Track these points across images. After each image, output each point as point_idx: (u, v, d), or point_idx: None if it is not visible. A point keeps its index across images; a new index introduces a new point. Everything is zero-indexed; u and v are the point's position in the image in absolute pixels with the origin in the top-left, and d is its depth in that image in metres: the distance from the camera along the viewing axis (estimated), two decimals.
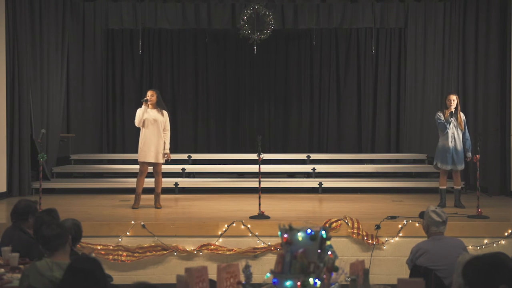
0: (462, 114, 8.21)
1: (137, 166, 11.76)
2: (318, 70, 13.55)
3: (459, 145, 8.12)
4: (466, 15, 10.43)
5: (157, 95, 8.26)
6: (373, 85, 13.45)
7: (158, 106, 8.22)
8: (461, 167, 8.21)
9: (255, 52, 11.97)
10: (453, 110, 8.08)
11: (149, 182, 8.54)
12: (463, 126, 8.13)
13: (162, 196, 8.65)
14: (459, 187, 8.37)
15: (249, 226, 6.92)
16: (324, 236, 2.85)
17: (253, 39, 11.67)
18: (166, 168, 11.00)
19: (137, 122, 8.17)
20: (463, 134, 8.17)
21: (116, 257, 6.76)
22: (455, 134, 8.10)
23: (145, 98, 8.20)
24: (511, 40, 9.66)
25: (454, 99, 8.12)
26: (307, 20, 12.53)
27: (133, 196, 8.41)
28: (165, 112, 8.26)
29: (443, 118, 8.09)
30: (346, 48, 13.52)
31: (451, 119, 8.07)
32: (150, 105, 8.16)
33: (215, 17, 12.46)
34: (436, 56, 11.73)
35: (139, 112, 8.16)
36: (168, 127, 8.28)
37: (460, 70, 10.52)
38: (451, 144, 8.12)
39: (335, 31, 13.40)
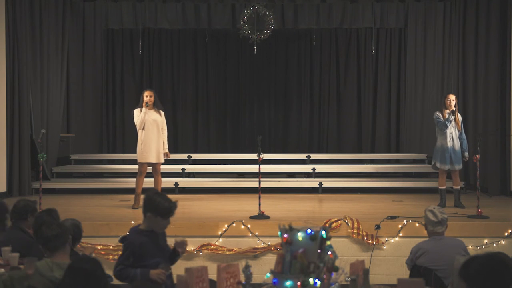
0: (459, 115, 8.24)
1: (137, 166, 11.80)
2: (318, 70, 13.55)
3: (457, 145, 8.14)
4: (466, 15, 10.43)
5: (155, 96, 8.27)
6: (373, 85, 13.45)
7: (156, 106, 8.24)
8: (458, 167, 8.21)
9: (255, 52, 11.98)
10: (454, 109, 8.11)
11: (149, 182, 8.54)
12: (460, 126, 8.16)
13: None
14: (459, 187, 8.37)
15: (249, 226, 6.91)
16: (324, 236, 2.85)
17: (253, 39, 11.67)
18: (166, 168, 11.01)
19: (139, 125, 8.13)
20: (460, 134, 8.19)
21: (116, 257, 6.75)
22: (453, 134, 8.12)
23: (145, 102, 8.16)
24: (511, 40, 9.66)
25: (453, 99, 8.14)
26: (307, 20, 12.53)
27: (133, 196, 8.41)
28: (162, 112, 8.31)
29: (442, 118, 8.10)
30: (346, 48, 13.51)
31: (452, 117, 8.08)
32: (149, 106, 8.16)
33: (215, 17, 12.46)
34: (436, 56, 11.73)
35: (140, 114, 8.11)
36: (165, 127, 8.33)
37: (460, 70, 10.52)
38: (449, 144, 8.13)
39: (335, 31, 13.40)
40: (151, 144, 8.11)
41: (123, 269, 3.99)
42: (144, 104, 8.13)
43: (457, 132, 8.15)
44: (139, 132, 8.17)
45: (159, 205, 3.98)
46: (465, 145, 8.18)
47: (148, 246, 4.01)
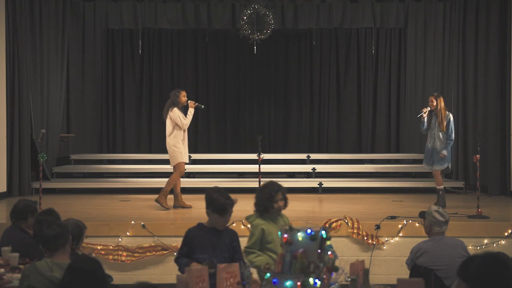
0: (448, 115, 8.13)
1: (137, 166, 11.80)
2: (318, 70, 13.56)
3: (439, 146, 8.10)
4: (466, 15, 10.44)
5: None
6: (373, 85, 13.45)
7: None
8: (439, 167, 8.16)
9: (255, 52, 11.98)
10: (426, 110, 8.13)
11: (147, 182, 8.53)
12: (444, 126, 8.09)
13: None
14: (441, 186, 8.27)
15: (249, 226, 6.89)
16: (324, 236, 2.85)
17: (253, 39, 11.67)
18: (166, 168, 11.01)
19: (187, 125, 8.11)
20: (446, 135, 8.07)
21: (116, 257, 6.76)
22: (435, 135, 8.12)
23: (202, 106, 8.22)
24: (511, 40, 9.66)
25: (431, 100, 8.18)
26: (307, 20, 12.54)
27: (133, 196, 8.41)
28: None
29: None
30: (346, 48, 13.52)
31: (424, 119, 8.11)
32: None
33: (215, 17, 12.47)
34: (436, 56, 11.73)
35: (183, 114, 8.08)
36: None
37: (460, 70, 10.52)
38: (429, 144, 8.20)
39: (335, 31, 13.40)
40: (186, 145, 8.18)
41: (178, 257, 4.20)
42: (191, 104, 8.10)
43: (440, 132, 8.11)
44: (178, 132, 8.07)
45: (215, 202, 4.09)
46: (447, 145, 8.05)
47: (200, 241, 4.12)
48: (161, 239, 6.84)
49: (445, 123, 8.07)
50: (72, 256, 3.84)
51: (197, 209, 8.28)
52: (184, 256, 4.17)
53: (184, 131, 8.10)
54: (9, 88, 9.57)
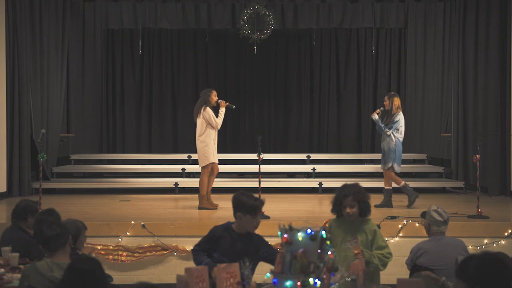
0: (396, 113, 8.12)
1: (137, 166, 11.78)
2: (318, 70, 13.56)
3: (386, 146, 8.17)
4: (466, 15, 10.44)
5: None
6: (373, 85, 13.44)
7: None
8: (385, 166, 8.23)
9: (255, 52, 11.98)
10: (378, 111, 8.23)
11: (147, 182, 8.52)
12: (388, 122, 8.17)
13: (162, 196, 8.63)
14: (388, 187, 8.37)
15: None
16: (324, 236, 2.85)
17: (253, 39, 11.67)
18: (166, 168, 11.06)
19: (220, 124, 8.13)
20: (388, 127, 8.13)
21: (116, 257, 6.76)
22: (385, 135, 8.16)
23: (233, 106, 8.24)
24: (511, 40, 9.66)
25: (385, 99, 8.28)
26: (307, 20, 12.53)
27: (133, 196, 8.41)
28: None
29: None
30: (346, 48, 13.52)
31: (376, 119, 8.17)
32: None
33: (215, 17, 12.46)
34: (436, 56, 11.74)
35: (217, 115, 8.09)
36: None
37: (460, 70, 10.52)
38: (382, 144, 8.30)
39: (335, 31, 13.40)
40: (215, 144, 8.17)
41: (197, 251, 4.24)
42: (222, 103, 8.14)
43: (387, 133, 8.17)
44: (211, 132, 8.10)
45: (245, 204, 4.12)
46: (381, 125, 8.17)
47: (224, 243, 4.15)
48: (161, 239, 6.84)
49: (390, 124, 8.09)
50: (72, 256, 3.84)
51: (197, 209, 8.27)
52: (204, 252, 4.19)
53: (215, 130, 8.08)
54: (9, 88, 9.57)
